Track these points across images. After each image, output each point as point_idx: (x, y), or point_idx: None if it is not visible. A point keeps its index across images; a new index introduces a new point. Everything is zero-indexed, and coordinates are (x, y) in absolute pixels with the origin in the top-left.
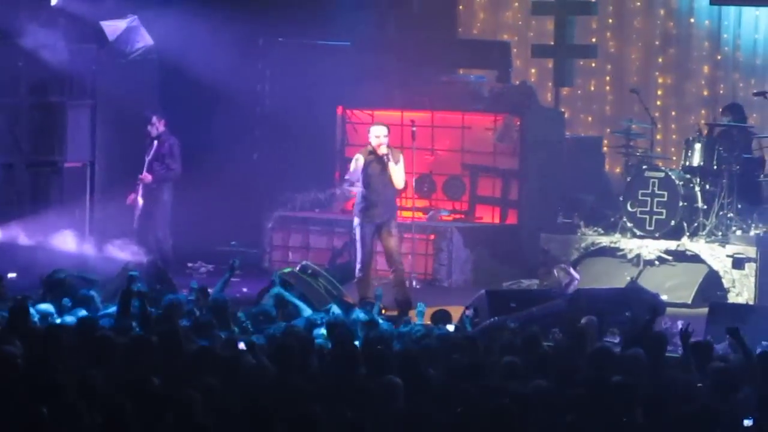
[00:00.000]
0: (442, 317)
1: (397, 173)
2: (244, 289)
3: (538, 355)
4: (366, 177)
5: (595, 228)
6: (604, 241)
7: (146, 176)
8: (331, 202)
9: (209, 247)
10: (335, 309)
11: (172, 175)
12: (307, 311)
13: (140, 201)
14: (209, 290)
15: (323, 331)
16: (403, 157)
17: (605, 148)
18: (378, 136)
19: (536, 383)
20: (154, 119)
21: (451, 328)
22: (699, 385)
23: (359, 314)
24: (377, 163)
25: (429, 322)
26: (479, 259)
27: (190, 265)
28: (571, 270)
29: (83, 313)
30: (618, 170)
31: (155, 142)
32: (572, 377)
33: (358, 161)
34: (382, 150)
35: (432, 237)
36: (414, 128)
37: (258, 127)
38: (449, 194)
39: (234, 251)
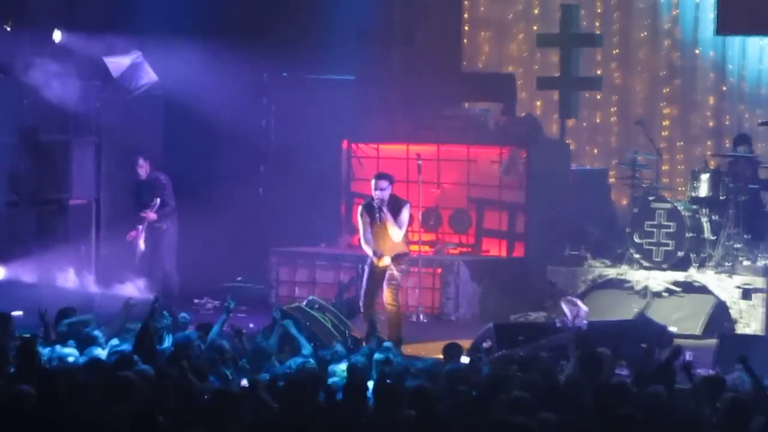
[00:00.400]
0: (454, 351)
1: (392, 228)
2: (251, 325)
3: (548, 387)
4: (371, 228)
5: (602, 260)
6: (611, 273)
7: (149, 214)
8: (338, 237)
9: (215, 282)
10: (339, 348)
11: (170, 210)
12: (307, 348)
13: (141, 244)
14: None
15: (338, 368)
16: (406, 207)
17: (611, 180)
18: (375, 189)
19: (544, 417)
20: (141, 161)
21: (465, 360)
22: (712, 420)
23: (369, 351)
24: (378, 214)
25: (440, 356)
26: (486, 293)
27: (196, 301)
28: (579, 302)
29: (97, 351)
30: (624, 202)
31: (147, 183)
32: (582, 411)
33: (362, 217)
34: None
35: (439, 271)
36: (419, 162)
37: (263, 162)
38: (455, 228)
39: (238, 287)
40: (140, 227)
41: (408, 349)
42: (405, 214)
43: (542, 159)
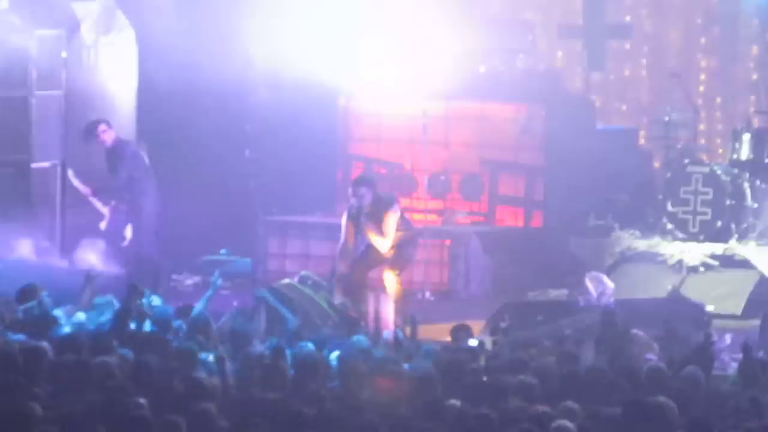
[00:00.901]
0: (462, 332)
1: (375, 238)
2: (235, 304)
3: (569, 374)
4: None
5: (632, 231)
6: (642, 245)
7: (106, 211)
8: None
9: (196, 256)
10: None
11: (118, 188)
12: (291, 320)
13: (128, 232)
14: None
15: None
16: (392, 211)
17: (642, 141)
18: (351, 196)
19: (565, 406)
20: (103, 126)
21: (473, 343)
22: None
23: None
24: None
25: (448, 338)
26: (500, 267)
27: (174, 277)
28: (605, 278)
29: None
30: (657, 165)
31: (112, 151)
32: (608, 399)
33: (346, 224)
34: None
35: (447, 243)
36: (425, 120)
37: (249, 120)
38: (466, 194)
39: (221, 261)
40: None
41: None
42: (389, 221)
43: (564, 117)
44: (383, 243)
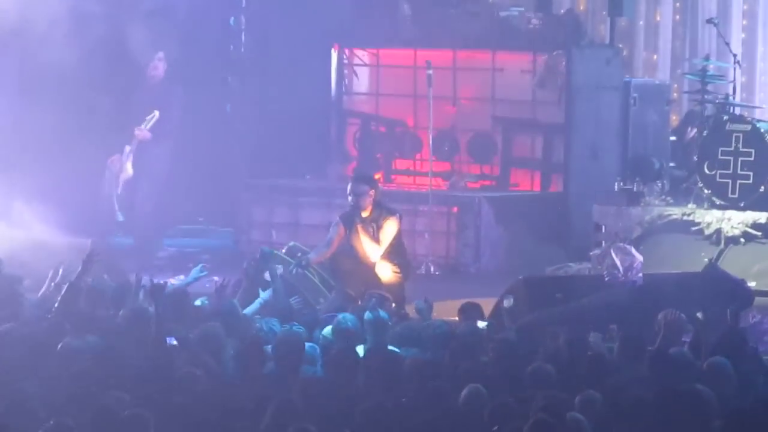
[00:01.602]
0: (471, 312)
1: (368, 244)
2: (215, 278)
3: (589, 360)
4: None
5: (663, 197)
6: (675, 213)
7: (143, 132)
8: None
9: (171, 224)
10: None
11: (171, 129)
12: (262, 294)
13: (129, 168)
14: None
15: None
16: (393, 221)
17: (675, 95)
18: (349, 192)
19: (586, 395)
20: (160, 56)
21: (482, 325)
22: None
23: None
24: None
25: (455, 318)
26: (515, 238)
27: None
28: (633, 250)
29: None
30: (691, 123)
31: (154, 89)
32: (632, 387)
33: (336, 227)
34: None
35: (454, 210)
36: (430, 71)
37: (231, 72)
38: (476, 156)
39: (199, 230)
40: (128, 148)
41: (413, 311)
42: (387, 230)
43: (587, 68)
44: (374, 250)
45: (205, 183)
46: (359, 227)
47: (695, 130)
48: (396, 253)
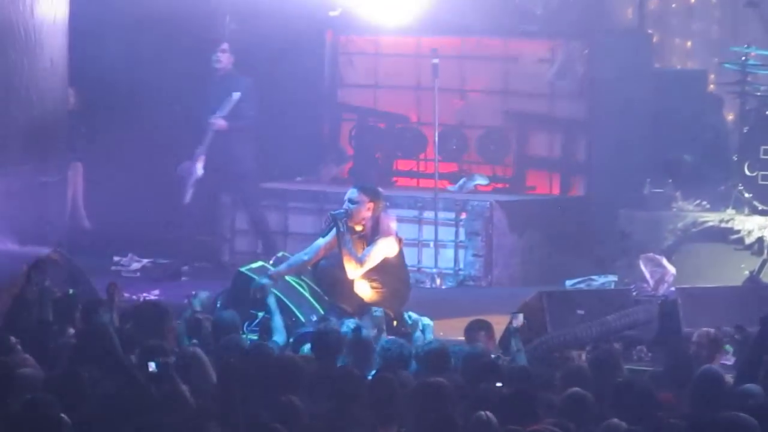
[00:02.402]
0: (481, 331)
1: (348, 260)
2: (193, 293)
3: (614, 385)
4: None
5: (699, 201)
6: (712, 219)
7: (219, 121)
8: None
9: (144, 234)
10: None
11: (248, 124)
12: (281, 335)
13: (199, 169)
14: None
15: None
16: (388, 242)
17: (712, 86)
18: (346, 197)
19: (610, 424)
20: (225, 47)
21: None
22: None
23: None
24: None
25: (462, 338)
26: (531, 248)
27: (116, 259)
28: (664, 261)
29: None
30: (730, 117)
31: (223, 81)
32: (666, 414)
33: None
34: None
35: (463, 216)
36: (435, 61)
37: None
38: (487, 155)
39: (176, 241)
40: (198, 152)
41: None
42: (378, 250)
43: (612, 57)
44: (353, 269)
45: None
46: (343, 239)
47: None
48: (386, 274)
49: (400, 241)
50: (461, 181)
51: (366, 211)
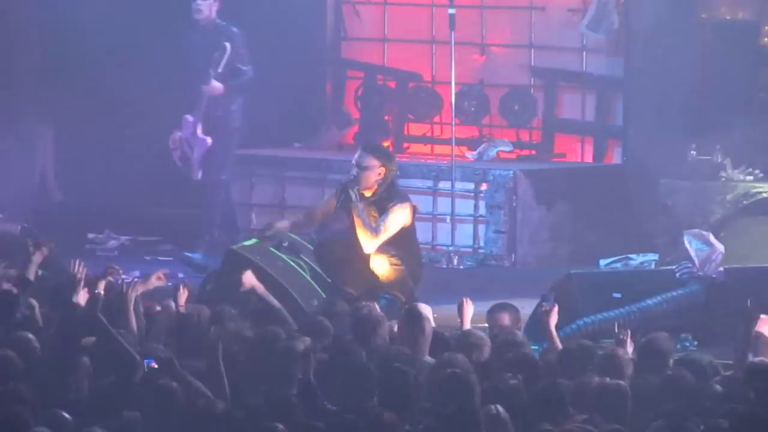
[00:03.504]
0: (505, 316)
1: (362, 230)
2: (180, 275)
3: (661, 378)
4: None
5: (750, 169)
6: (765, 190)
7: (215, 85)
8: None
9: (123, 208)
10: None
11: (246, 82)
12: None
13: (200, 132)
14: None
15: None
16: (401, 208)
17: (766, 40)
18: (354, 163)
19: (655, 427)
20: None
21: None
22: None
23: None
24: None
25: (484, 325)
26: (560, 222)
27: (91, 236)
28: (711, 238)
29: None
30: None
31: (206, 33)
32: (713, 412)
33: (329, 198)
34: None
35: (483, 187)
36: (452, 11)
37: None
38: (511, 118)
39: (160, 216)
40: (189, 120)
41: (434, 314)
42: (393, 218)
43: (652, 5)
44: (369, 240)
45: (167, 156)
46: (355, 209)
47: None
48: (403, 249)
49: (414, 209)
50: (481, 148)
51: (377, 176)
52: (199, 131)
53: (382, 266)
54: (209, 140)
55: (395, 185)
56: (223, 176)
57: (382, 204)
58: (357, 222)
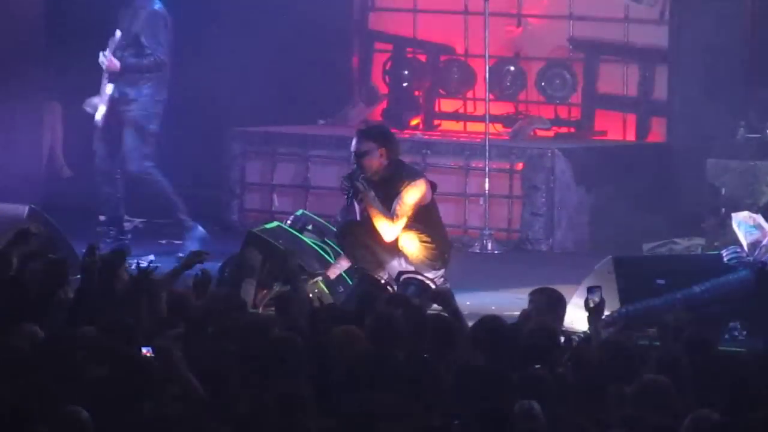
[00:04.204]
0: (547, 301)
1: (379, 219)
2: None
3: (707, 368)
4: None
5: None
6: None
7: (112, 61)
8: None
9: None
10: None
11: (154, 64)
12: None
13: (99, 116)
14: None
15: None
16: (414, 186)
17: None
18: (352, 151)
19: (700, 415)
20: None
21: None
22: None
23: None
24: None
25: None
26: (601, 204)
27: (102, 218)
28: (762, 221)
29: None
30: None
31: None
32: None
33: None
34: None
35: (519, 167)
36: None
37: None
38: (548, 92)
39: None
40: (96, 101)
41: (466, 301)
42: (407, 198)
43: None
44: (387, 228)
45: (182, 130)
46: (366, 197)
47: None
48: (427, 226)
49: (432, 185)
50: (517, 125)
51: (379, 159)
52: (101, 111)
53: (411, 244)
54: (98, 118)
55: (403, 163)
56: (132, 167)
57: (393, 184)
58: (372, 212)
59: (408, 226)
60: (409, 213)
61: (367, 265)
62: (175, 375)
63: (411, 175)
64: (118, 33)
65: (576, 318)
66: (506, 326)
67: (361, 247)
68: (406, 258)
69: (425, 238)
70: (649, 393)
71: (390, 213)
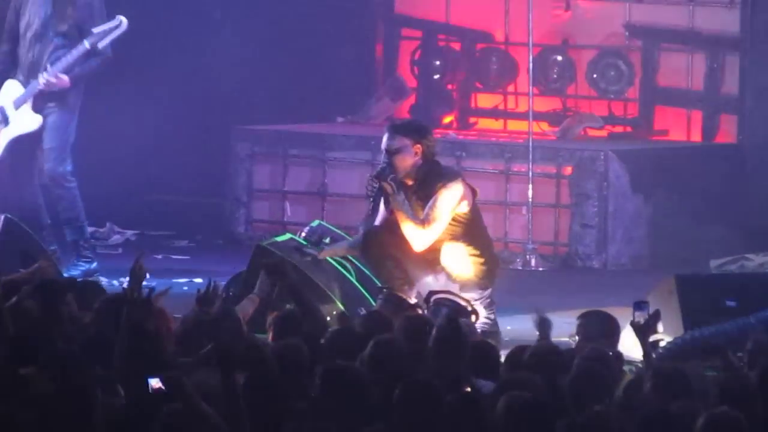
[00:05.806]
0: (600, 328)
1: (407, 224)
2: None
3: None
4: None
5: None
6: None
7: (60, 78)
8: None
9: (131, 196)
10: None
11: (96, 66)
12: None
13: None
14: None
15: None
16: (450, 189)
17: None
18: (383, 149)
19: None
20: None
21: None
22: None
23: None
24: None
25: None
26: (662, 215)
27: (90, 230)
28: None
29: None
30: None
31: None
32: None
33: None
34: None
35: (568, 171)
36: None
37: None
38: (601, 86)
39: (172, 205)
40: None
41: (507, 325)
42: (442, 202)
43: None
44: (418, 235)
45: (183, 131)
46: (395, 200)
47: None
48: (470, 237)
49: (473, 190)
50: (565, 123)
51: (414, 157)
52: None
53: (458, 259)
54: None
55: (439, 164)
56: (58, 168)
57: (427, 187)
58: (400, 217)
59: (454, 236)
60: (444, 219)
61: (393, 281)
62: (188, 405)
63: (447, 175)
64: None
65: (632, 345)
66: (562, 356)
67: (388, 259)
68: (448, 275)
69: (474, 252)
70: (719, 429)
71: (421, 218)
